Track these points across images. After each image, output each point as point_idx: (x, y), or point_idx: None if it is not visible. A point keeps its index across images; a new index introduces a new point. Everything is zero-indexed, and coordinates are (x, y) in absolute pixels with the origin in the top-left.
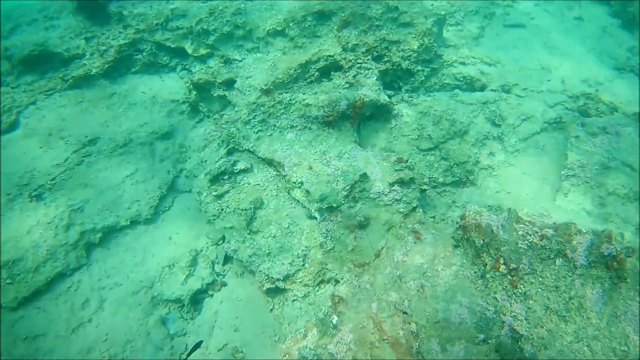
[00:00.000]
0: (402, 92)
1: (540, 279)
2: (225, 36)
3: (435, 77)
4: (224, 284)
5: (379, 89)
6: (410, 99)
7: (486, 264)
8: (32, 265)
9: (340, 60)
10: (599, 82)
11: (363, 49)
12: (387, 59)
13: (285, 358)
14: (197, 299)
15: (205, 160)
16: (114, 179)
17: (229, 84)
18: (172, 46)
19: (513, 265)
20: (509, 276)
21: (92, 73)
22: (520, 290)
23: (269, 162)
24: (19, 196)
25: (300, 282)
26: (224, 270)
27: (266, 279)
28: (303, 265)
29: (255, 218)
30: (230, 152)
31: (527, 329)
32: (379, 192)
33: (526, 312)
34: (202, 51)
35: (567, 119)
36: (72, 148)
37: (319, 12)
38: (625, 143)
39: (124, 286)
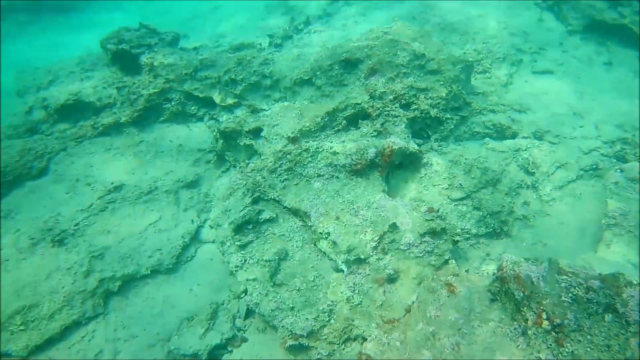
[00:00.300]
0: (431, 141)
1: (588, 336)
2: (252, 86)
3: (464, 126)
4: (245, 340)
5: (408, 137)
6: (440, 147)
7: (527, 319)
8: (47, 312)
9: (368, 108)
10: (635, 126)
11: (391, 97)
12: (415, 106)
13: None
14: (215, 355)
15: (230, 209)
16: (137, 226)
17: (256, 132)
18: (200, 96)
19: (557, 321)
20: (553, 333)
21: (121, 121)
22: (566, 350)
23: (295, 212)
24: (41, 240)
25: (325, 339)
26: (245, 325)
27: (289, 335)
28: (328, 321)
29: (280, 270)
30: (255, 201)
31: None
32: (410, 244)
33: None
34: (230, 101)
35: (603, 165)
36: (97, 194)
37: (345, 61)
38: None
39: (139, 338)
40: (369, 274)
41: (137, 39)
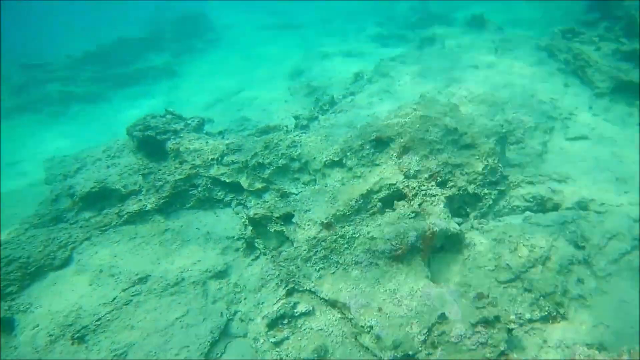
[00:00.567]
0: (470, 219)
1: None
2: (280, 169)
3: (503, 200)
4: None
5: (448, 216)
6: (481, 225)
7: None
8: None
9: (403, 189)
10: None
11: (426, 175)
12: (452, 183)
13: None
14: None
15: (262, 302)
16: (162, 321)
17: (287, 218)
18: (227, 181)
19: None
20: None
21: (146, 209)
22: None
23: (333, 304)
24: (61, 337)
25: None
26: None
27: None
28: None
29: None
30: (289, 293)
31: None
32: (461, 335)
33: None
34: (258, 185)
35: None
36: (121, 286)
37: (376, 140)
38: None
39: None
40: None
41: (162, 125)
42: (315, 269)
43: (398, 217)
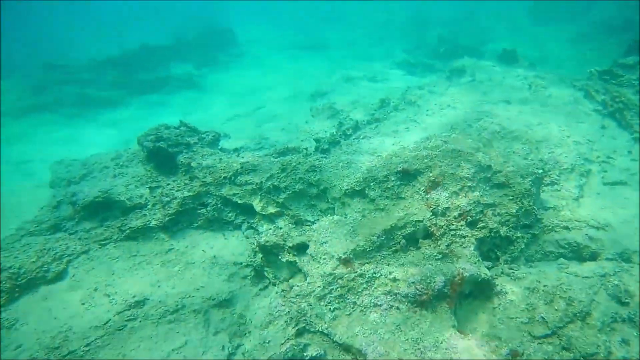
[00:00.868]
0: (500, 263)
1: None
2: (297, 194)
3: (536, 244)
4: None
5: (478, 260)
6: (512, 271)
7: None
8: None
9: (430, 226)
10: None
11: (455, 213)
12: (483, 224)
13: None
14: None
15: (269, 341)
16: (157, 351)
17: (300, 248)
18: (239, 202)
19: None
20: None
21: (150, 225)
22: None
23: (347, 349)
24: None
25: None
26: None
27: None
28: None
29: None
30: (299, 333)
31: None
32: None
33: None
34: (271, 209)
35: None
36: (116, 308)
37: (403, 172)
38: None
39: None
40: None
41: (175, 138)
42: (330, 308)
43: (423, 257)
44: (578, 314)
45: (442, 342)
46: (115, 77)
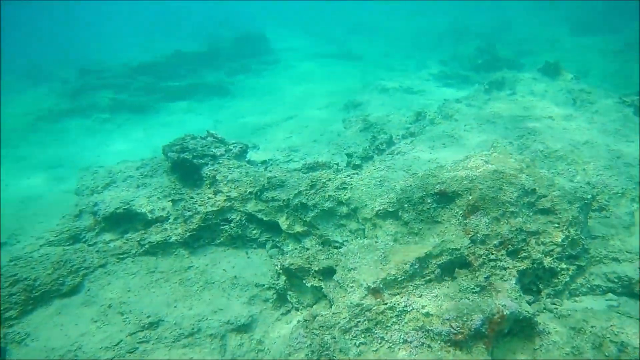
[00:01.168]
0: (543, 297)
1: None
2: (325, 213)
3: (581, 277)
4: None
5: (520, 296)
6: (555, 306)
7: None
8: None
9: (468, 255)
10: None
11: (496, 242)
12: (525, 254)
13: None
14: None
15: None
16: None
17: (327, 273)
18: (264, 219)
19: None
20: None
21: (170, 240)
22: None
23: None
24: None
25: None
26: None
27: None
28: None
29: None
30: None
31: None
32: None
33: None
34: (298, 228)
35: None
36: (129, 329)
37: (440, 194)
38: None
39: None
40: None
41: (201, 149)
42: (355, 343)
43: (459, 289)
44: None
45: None
46: (146, 83)
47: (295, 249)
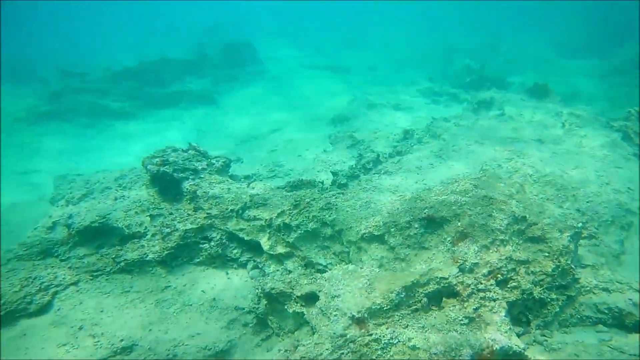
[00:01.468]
0: (532, 329)
1: None
2: (309, 234)
3: (571, 307)
4: None
5: (510, 329)
6: (545, 338)
7: None
8: None
9: (456, 285)
10: None
11: (485, 271)
12: (515, 284)
13: None
14: None
15: None
16: None
17: (309, 298)
18: (245, 238)
19: None
20: None
21: (147, 258)
22: None
23: None
24: None
25: None
26: None
27: None
28: None
29: None
30: None
31: None
32: None
33: None
34: (280, 249)
35: None
36: (100, 353)
37: (428, 219)
38: None
39: None
40: None
41: (182, 162)
42: None
43: (447, 320)
44: None
45: None
46: (130, 89)
47: (277, 270)
